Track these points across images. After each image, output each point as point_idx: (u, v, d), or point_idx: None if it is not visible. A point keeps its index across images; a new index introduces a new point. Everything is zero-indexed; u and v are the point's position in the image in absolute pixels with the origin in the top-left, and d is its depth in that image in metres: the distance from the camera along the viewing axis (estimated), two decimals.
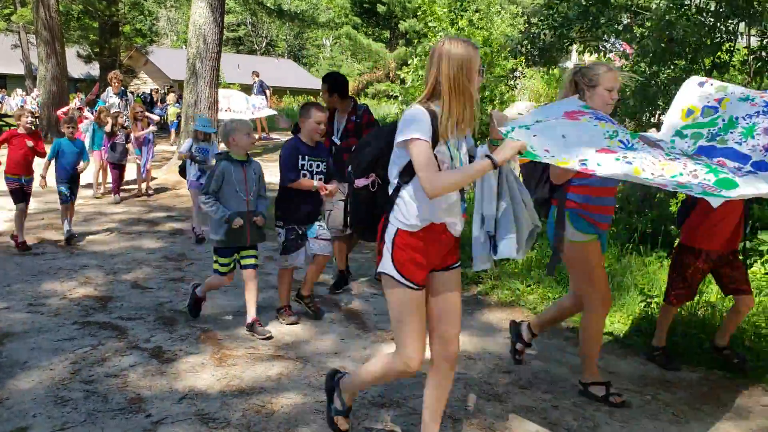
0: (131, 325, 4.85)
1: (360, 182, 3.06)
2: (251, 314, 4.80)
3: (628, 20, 7.68)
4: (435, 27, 10.99)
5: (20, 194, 7.09)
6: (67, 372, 4.01)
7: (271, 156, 15.71)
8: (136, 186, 11.08)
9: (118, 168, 10.39)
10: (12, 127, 8.58)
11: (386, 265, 2.86)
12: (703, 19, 6.30)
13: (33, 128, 7.49)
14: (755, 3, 5.90)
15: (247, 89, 21.10)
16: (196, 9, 12.42)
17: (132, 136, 10.63)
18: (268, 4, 20.74)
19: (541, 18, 7.58)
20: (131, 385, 3.84)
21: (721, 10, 6.10)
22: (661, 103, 6.69)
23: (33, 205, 9.61)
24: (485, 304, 5.75)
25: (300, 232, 4.91)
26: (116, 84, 11.89)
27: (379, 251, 2.93)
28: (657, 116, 7.28)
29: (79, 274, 6.18)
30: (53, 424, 3.36)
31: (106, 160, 10.47)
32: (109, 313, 5.14)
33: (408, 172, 2.79)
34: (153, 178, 11.69)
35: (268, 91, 20.18)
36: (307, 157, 4.88)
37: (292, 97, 35.46)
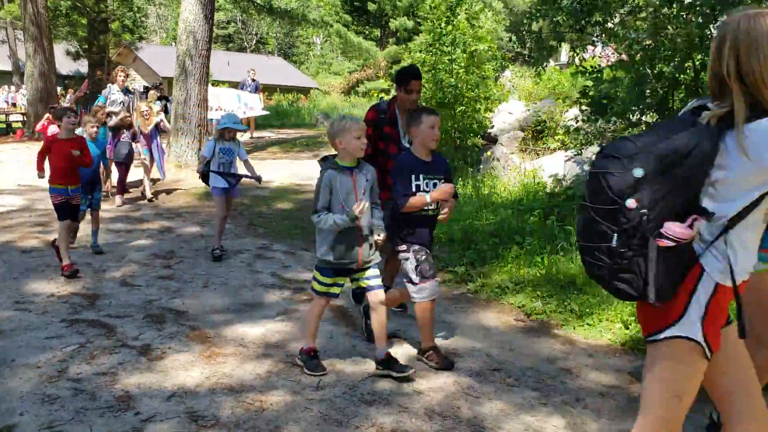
0: (119, 323, 4.83)
1: (675, 231, 2.07)
2: (382, 346, 4.08)
3: (620, 18, 7.72)
4: (431, 19, 10.97)
5: (66, 209, 6.20)
6: (55, 370, 3.98)
7: (261, 153, 15.68)
8: (142, 188, 10.54)
9: (124, 167, 10.02)
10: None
11: (690, 329, 2.17)
12: (693, 19, 6.33)
13: (75, 130, 6.49)
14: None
15: (235, 85, 20.87)
16: (186, 6, 12.37)
17: (140, 135, 10.26)
18: (258, 1, 20.64)
19: (535, 10, 7.58)
20: (120, 383, 3.83)
21: (710, 11, 6.14)
22: (651, 101, 6.72)
23: (20, 202, 9.57)
24: (474, 302, 5.76)
25: (431, 252, 4.21)
26: (122, 79, 11.04)
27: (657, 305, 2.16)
28: (647, 115, 7.33)
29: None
30: (40, 422, 3.34)
31: (110, 159, 9.97)
32: (97, 310, 5.12)
33: (748, 209, 2.13)
34: (157, 180, 11.12)
35: (260, 93, 19.79)
36: (421, 176, 4.13)
37: (282, 94, 35.35)
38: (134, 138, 10.19)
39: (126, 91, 10.82)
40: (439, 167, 4.25)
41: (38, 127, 10.37)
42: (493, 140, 10.96)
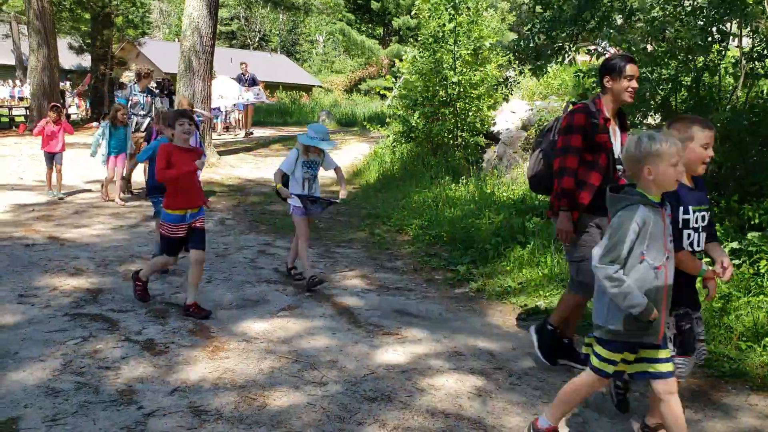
0: (123, 318, 4.85)
1: None
2: None
3: (620, 22, 7.71)
4: (432, 15, 10.97)
5: (179, 242, 5.03)
6: (59, 363, 4.00)
7: (264, 150, 15.69)
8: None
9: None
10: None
11: None
12: (695, 20, 6.34)
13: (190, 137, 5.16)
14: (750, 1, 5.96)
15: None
16: (190, 2, 12.38)
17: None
18: None
19: (532, 21, 7.59)
20: (123, 377, 3.84)
21: (713, 12, 6.14)
22: (653, 104, 6.73)
23: (23, 196, 9.59)
24: (477, 302, 5.77)
25: (695, 318, 3.26)
26: (144, 79, 10.40)
27: None
28: (648, 117, 7.33)
29: (70, 266, 6.16)
30: (44, 415, 3.36)
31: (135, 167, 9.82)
32: (100, 305, 5.13)
33: None
34: None
35: (261, 85, 19.52)
36: (691, 208, 3.14)
37: (285, 92, 35.36)
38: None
39: (148, 91, 10.46)
40: (703, 194, 3.30)
41: (36, 130, 9.90)
42: (495, 139, 10.97)
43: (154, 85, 16.58)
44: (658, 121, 7.42)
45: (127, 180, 10.21)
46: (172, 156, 4.86)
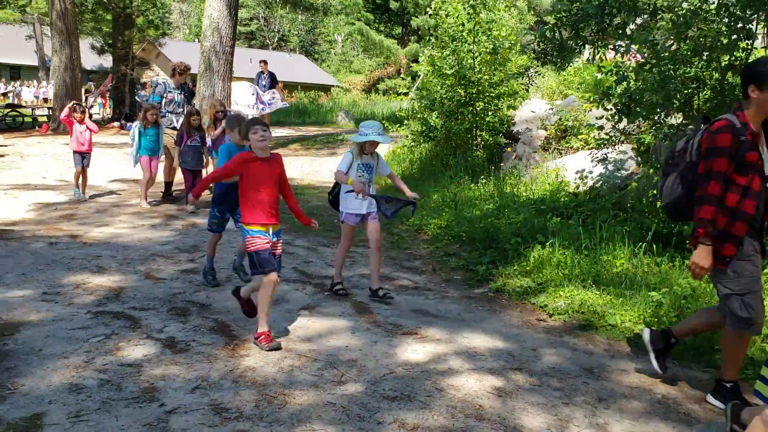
0: (144, 316, 4.89)
1: None
2: None
3: (643, 20, 7.66)
4: (449, 16, 10.93)
5: (271, 257, 4.46)
6: (82, 360, 4.04)
7: (282, 150, 15.74)
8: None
9: (193, 174, 9.15)
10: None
11: None
12: (720, 19, 6.26)
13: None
14: None
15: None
16: (210, 2, 12.46)
17: (209, 138, 9.13)
18: None
19: (558, 14, 7.54)
20: (144, 375, 3.88)
21: (739, 9, 6.06)
22: (676, 103, 6.65)
23: (47, 194, 9.71)
24: (496, 302, 5.75)
25: None
26: (179, 75, 9.89)
27: None
28: (672, 115, 7.26)
29: (92, 265, 6.23)
30: (68, 411, 3.40)
31: (179, 167, 9.45)
32: (122, 303, 5.18)
33: None
34: None
35: (278, 86, 18.76)
36: None
37: (304, 92, 35.50)
38: (203, 141, 9.20)
39: (183, 88, 9.98)
40: None
41: (62, 115, 9.66)
42: (515, 139, 10.92)
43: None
44: (680, 120, 7.35)
45: (167, 185, 9.88)
46: (250, 166, 4.42)
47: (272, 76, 17.74)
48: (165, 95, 9.81)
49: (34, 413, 3.36)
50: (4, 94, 36.30)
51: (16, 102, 25.85)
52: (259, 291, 4.46)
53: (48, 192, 10.14)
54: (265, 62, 17.94)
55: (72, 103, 10.13)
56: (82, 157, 9.61)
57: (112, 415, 3.38)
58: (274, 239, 4.51)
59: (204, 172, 9.39)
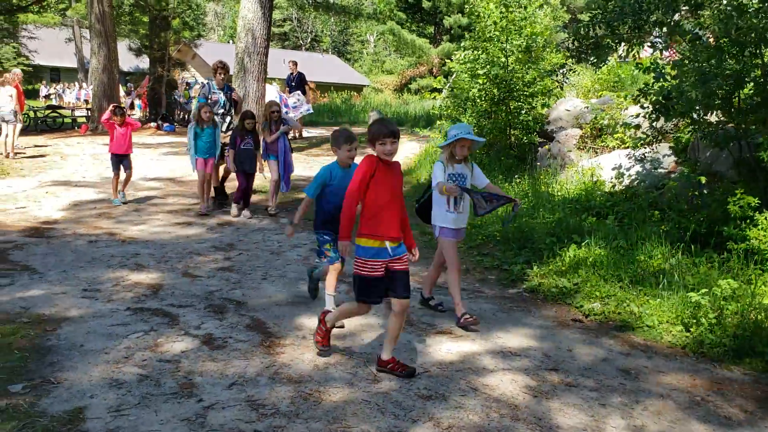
0: (182, 312, 4.96)
1: None
2: None
3: (682, 15, 7.52)
4: (484, 15, 10.89)
5: (376, 285, 3.97)
6: (121, 356, 4.12)
7: (315, 150, 15.83)
8: (270, 203, 9.15)
9: (243, 175, 8.79)
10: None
11: None
12: (764, 14, 6.12)
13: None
14: None
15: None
16: (245, 4, 12.59)
17: (263, 141, 8.89)
18: None
19: (593, 12, 7.46)
20: (183, 371, 3.94)
21: None
22: (717, 100, 6.52)
23: (86, 193, 9.92)
24: (531, 302, 5.71)
25: None
26: (220, 75, 9.35)
27: None
28: (710, 114, 7.12)
29: (131, 262, 6.34)
30: (109, 406, 3.47)
31: (230, 169, 9.06)
32: (160, 300, 5.27)
33: None
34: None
35: (307, 86, 18.13)
36: None
37: (336, 92, 35.65)
38: (256, 145, 8.85)
39: (227, 88, 9.49)
40: None
41: (103, 117, 9.43)
42: (549, 137, 10.82)
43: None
44: (719, 118, 7.21)
45: (218, 188, 9.52)
46: (377, 171, 3.93)
47: (301, 76, 17.38)
48: (209, 96, 9.34)
49: (77, 407, 3.44)
50: (47, 96, 37.22)
51: (57, 103, 26.41)
52: (390, 320, 4.02)
53: (87, 191, 10.35)
54: (294, 63, 17.65)
55: (112, 105, 9.93)
56: (120, 161, 9.40)
57: (152, 410, 3.44)
58: (394, 256, 3.96)
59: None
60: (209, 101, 9.20)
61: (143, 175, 11.98)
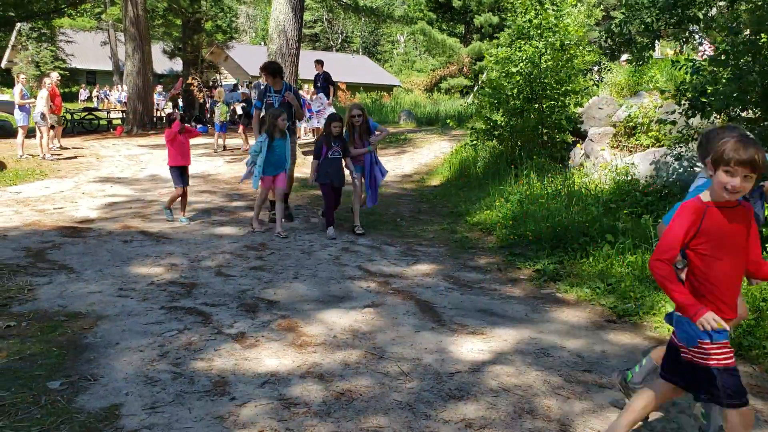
0: (215, 311, 5.01)
1: None
2: None
3: (719, 9, 7.39)
4: (519, 12, 10.83)
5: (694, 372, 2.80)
6: (156, 354, 4.18)
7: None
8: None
9: (335, 192, 7.87)
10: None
11: None
12: None
13: None
14: None
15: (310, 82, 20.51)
16: (276, 5, 12.67)
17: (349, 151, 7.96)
18: (345, 0, 20.95)
19: (626, 10, 7.36)
20: (216, 369, 3.98)
21: None
22: (754, 97, 6.38)
23: (122, 194, 10.07)
24: (564, 302, 5.65)
25: None
26: (276, 76, 8.42)
27: None
28: (749, 110, 6.96)
29: (165, 261, 6.43)
30: (144, 403, 3.52)
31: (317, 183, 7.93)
32: (193, 299, 5.33)
33: None
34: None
35: (332, 87, 17.39)
36: None
37: (366, 93, 35.73)
38: (346, 153, 7.92)
39: (288, 88, 8.44)
40: None
41: (173, 129, 8.22)
42: (582, 136, 10.69)
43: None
44: (757, 115, 7.05)
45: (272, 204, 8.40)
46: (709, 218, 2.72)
47: (326, 76, 16.77)
48: (265, 99, 8.32)
49: (113, 404, 3.50)
50: (88, 98, 37.88)
51: (100, 107, 26.91)
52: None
53: (122, 191, 10.52)
54: (319, 62, 16.83)
55: (178, 113, 8.77)
56: (181, 173, 8.34)
57: (185, 408, 3.48)
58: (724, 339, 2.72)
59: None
60: (263, 105, 8.30)
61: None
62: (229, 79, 35.97)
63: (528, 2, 10.65)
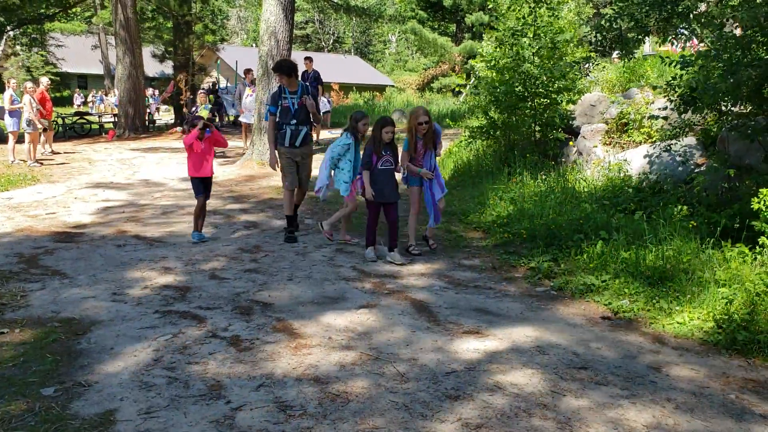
0: (210, 315, 5.00)
1: None
2: None
3: (709, 5, 7.41)
4: (510, 10, 10.85)
5: None
6: (150, 359, 4.16)
7: None
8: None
9: (385, 209, 6.77)
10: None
11: None
12: None
13: None
14: None
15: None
16: (267, 7, 12.67)
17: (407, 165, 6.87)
18: (336, 0, 20.93)
19: (618, 5, 7.38)
20: (211, 373, 3.96)
21: None
22: (745, 91, 6.41)
23: (115, 198, 10.04)
24: (558, 300, 5.65)
25: None
26: (290, 78, 7.46)
27: None
28: (739, 105, 7.00)
29: (159, 265, 6.41)
30: (139, 408, 3.50)
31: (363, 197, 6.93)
32: (188, 302, 5.31)
33: None
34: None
35: (321, 87, 16.29)
36: None
37: (358, 93, 35.70)
38: (398, 161, 6.87)
39: (306, 90, 7.55)
40: None
41: (192, 136, 7.22)
42: (575, 133, 10.70)
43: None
44: (748, 110, 7.07)
45: (292, 217, 7.70)
46: None
47: (316, 74, 15.89)
48: (280, 103, 7.42)
49: (107, 409, 3.48)
50: (83, 103, 37.69)
51: (97, 110, 26.77)
52: None
53: (115, 195, 10.48)
54: (309, 59, 16.00)
55: (199, 120, 7.41)
56: (204, 184, 7.53)
57: (181, 412, 3.46)
58: None
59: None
60: (279, 108, 7.42)
61: (171, 177, 12.12)
62: (222, 83, 35.92)
63: (519, 2, 10.66)
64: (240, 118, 17.10)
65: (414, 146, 6.92)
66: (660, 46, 7.59)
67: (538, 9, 10.44)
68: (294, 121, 7.39)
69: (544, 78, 10.26)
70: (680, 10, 7.07)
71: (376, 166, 6.66)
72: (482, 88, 11.67)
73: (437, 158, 7.25)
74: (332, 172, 7.29)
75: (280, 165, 7.58)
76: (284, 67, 7.45)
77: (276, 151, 7.56)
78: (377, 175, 6.66)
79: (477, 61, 12.08)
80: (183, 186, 11.45)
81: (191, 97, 22.04)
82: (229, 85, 21.54)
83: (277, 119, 7.47)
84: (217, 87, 20.63)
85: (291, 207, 7.59)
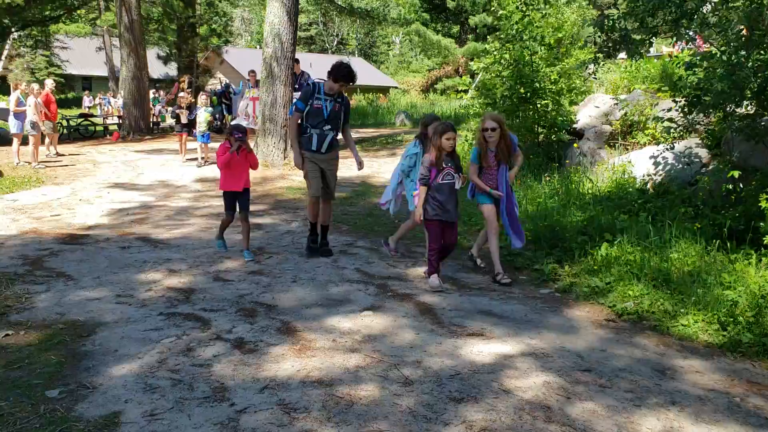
0: (214, 317, 5.00)
1: None
2: None
3: (713, 7, 7.39)
4: (507, 17, 10.86)
5: None
6: (155, 361, 4.16)
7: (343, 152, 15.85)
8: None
9: (442, 229, 5.95)
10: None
11: None
12: None
13: None
14: None
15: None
16: (271, 9, 12.68)
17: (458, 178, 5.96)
18: (339, 2, 20.96)
19: (626, 5, 7.37)
20: (215, 375, 3.96)
21: None
22: (748, 92, 6.38)
23: (118, 200, 10.06)
24: (563, 302, 5.64)
25: None
26: (335, 80, 6.69)
27: None
28: (744, 106, 6.97)
29: (163, 267, 6.41)
30: (143, 410, 3.50)
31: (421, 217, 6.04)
32: (192, 304, 5.31)
33: None
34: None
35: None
36: None
37: (363, 94, 35.72)
38: (459, 171, 5.99)
39: (345, 101, 6.95)
40: None
41: (226, 151, 6.65)
42: (579, 135, 10.69)
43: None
44: (753, 110, 7.05)
45: (316, 225, 7.06)
46: None
47: (304, 76, 14.83)
48: (312, 102, 6.69)
49: (112, 411, 3.48)
50: (93, 106, 37.73)
51: (105, 112, 26.80)
52: None
53: (120, 197, 10.50)
54: (296, 61, 14.61)
55: (236, 133, 6.70)
56: (236, 199, 6.88)
57: (185, 414, 3.47)
58: None
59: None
60: (308, 108, 6.69)
61: (175, 179, 12.14)
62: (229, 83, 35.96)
63: (513, 6, 10.66)
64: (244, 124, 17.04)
65: (484, 157, 6.16)
66: (671, 46, 7.55)
67: (532, 12, 10.45)
68: (327, 127, 6.73)
69: (545, 80, 10.25)
70: (687, 9, 7.05)
71: (437, 181, 5.87)
72: (483, 92, 11.67)
73: (511, 176, 6.32)
74: (401, 183, 6.82)
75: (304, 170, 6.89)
76: (347, 75, 6.64)
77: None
78: (436, 189, 5.87)
79: (477, 63, 12.08)
80: (188, 188, 11.47)
81: (192, 101, 22.06)
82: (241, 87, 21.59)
83: (301, 120, 6.80)
84: (230, 89, 20.56)
85: (315, 214, 6.98)
